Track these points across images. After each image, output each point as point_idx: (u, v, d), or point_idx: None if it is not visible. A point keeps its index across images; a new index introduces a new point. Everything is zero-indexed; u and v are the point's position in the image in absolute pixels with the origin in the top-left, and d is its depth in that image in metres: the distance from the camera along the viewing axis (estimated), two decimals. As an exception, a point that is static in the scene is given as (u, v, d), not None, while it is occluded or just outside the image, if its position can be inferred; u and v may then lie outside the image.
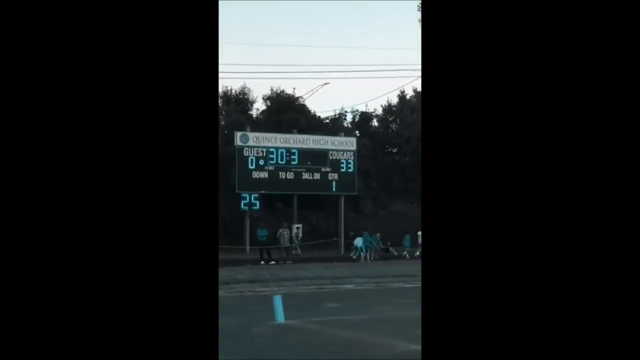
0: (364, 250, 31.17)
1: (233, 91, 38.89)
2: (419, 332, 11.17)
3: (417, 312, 13.98)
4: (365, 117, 41.44)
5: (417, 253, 31.09)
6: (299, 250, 31.87)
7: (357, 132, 39.31)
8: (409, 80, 77.00)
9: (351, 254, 31.27)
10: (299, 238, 32.15)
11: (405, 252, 32.65)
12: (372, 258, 31.29)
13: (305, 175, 32.62)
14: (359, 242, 31.37)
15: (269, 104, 39.21)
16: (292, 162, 32.36)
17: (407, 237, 32.75)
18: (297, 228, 32.23)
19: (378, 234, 32.52)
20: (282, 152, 32.18)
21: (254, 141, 31.83)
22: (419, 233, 31.86)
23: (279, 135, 32.91)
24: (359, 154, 34.22)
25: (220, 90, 36.86)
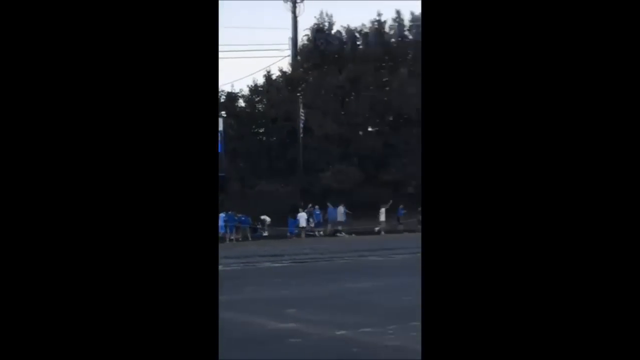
0: (229, 230, 31.19)
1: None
2: (288, 311, 11.35)
3: (285, 291, 14.10)
4: (231, 98, 41.31)
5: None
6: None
7: (223, 112, 39.13)
8: (275, 60, 77.32)
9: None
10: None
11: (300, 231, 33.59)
12: (238, 238, 31.41)
13: (172, 156, 32.16)
14: (220, 220, 31.42)
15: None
16: (158, 143, 31.78)
17: (301, 214, 33.71)
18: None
19: (241, 215, 32.79)
20: (147, 133, 31.55)
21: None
22: (302, 212, 33.10)
23: (144, 116, 32.23)
24: (225, 134, 34.13)
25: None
